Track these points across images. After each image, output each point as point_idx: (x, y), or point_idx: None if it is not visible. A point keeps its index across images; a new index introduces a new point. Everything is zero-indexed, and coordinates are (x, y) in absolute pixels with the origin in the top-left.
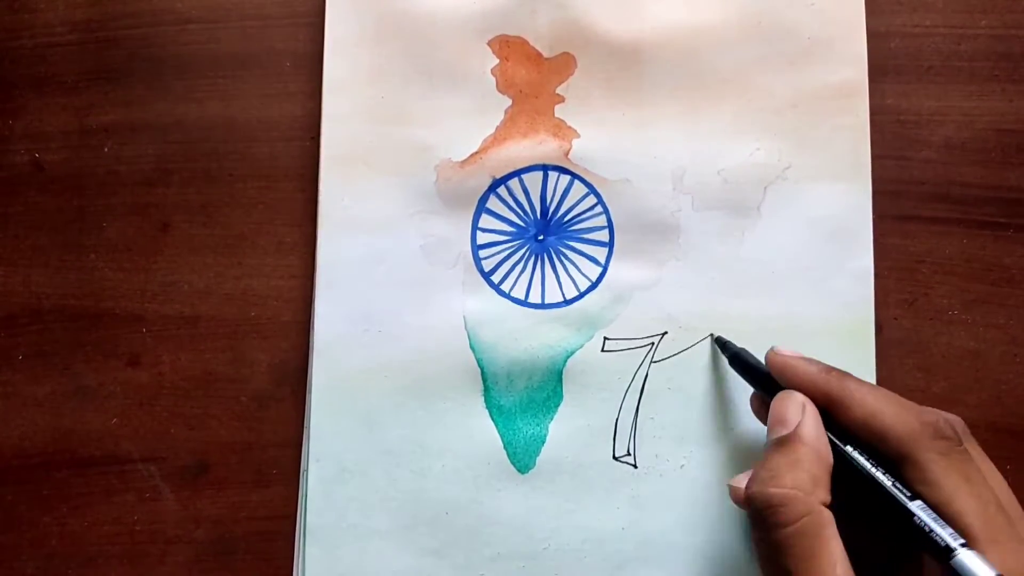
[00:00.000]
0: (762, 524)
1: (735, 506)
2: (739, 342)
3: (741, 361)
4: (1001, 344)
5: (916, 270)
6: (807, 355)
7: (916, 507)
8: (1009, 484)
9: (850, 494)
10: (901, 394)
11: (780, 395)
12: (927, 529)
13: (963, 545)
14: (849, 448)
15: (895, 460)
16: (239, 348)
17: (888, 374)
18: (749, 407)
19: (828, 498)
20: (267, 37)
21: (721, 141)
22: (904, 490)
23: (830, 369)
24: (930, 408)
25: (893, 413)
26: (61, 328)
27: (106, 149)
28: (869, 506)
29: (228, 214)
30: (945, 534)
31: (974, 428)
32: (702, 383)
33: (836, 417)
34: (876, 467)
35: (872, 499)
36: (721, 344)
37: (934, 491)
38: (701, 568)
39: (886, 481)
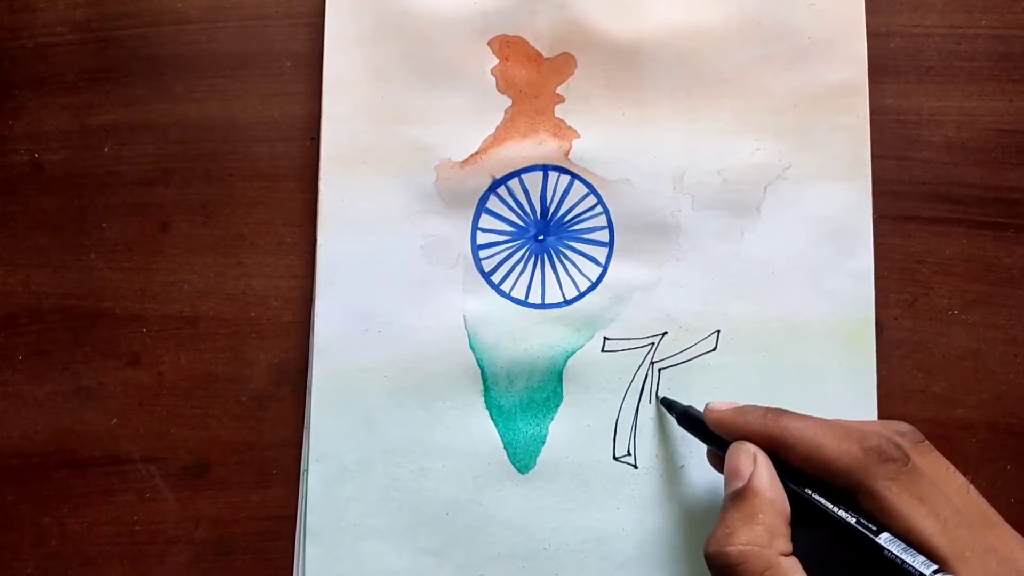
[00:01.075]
0: None
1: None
2: (739, 342)
3: (690, 419)
4: (1001, 344)
5: (916, 270)
6: (817, 415)
7: (884, 540)
8: (1009, 484)
9: (814, 537)
10: (902, 394)
11: (732, 448)
12: (899, 561)
13: (936, 572)
14: (807, 491)
15: (849, 492)
16: (239, 348)
17: (888, 374)
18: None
19: (788, 547)
20: (267, 37)
21: (721, 141)
22: (868, 524)
23: (767, 411)
24: (874, 425)
25: (835, 445)
26: (61, 328)
27: (106, 149)
28: (836, 545)
29: (228, 214)
30: (917, 563)
31: (974, 428)
32: (702, 383)
33: (782, 459)
34: (836, 505)
35: (838, 538)
36: (667, 405)
37: (893, 520)
38: (701, 568)
39: (849, 519)
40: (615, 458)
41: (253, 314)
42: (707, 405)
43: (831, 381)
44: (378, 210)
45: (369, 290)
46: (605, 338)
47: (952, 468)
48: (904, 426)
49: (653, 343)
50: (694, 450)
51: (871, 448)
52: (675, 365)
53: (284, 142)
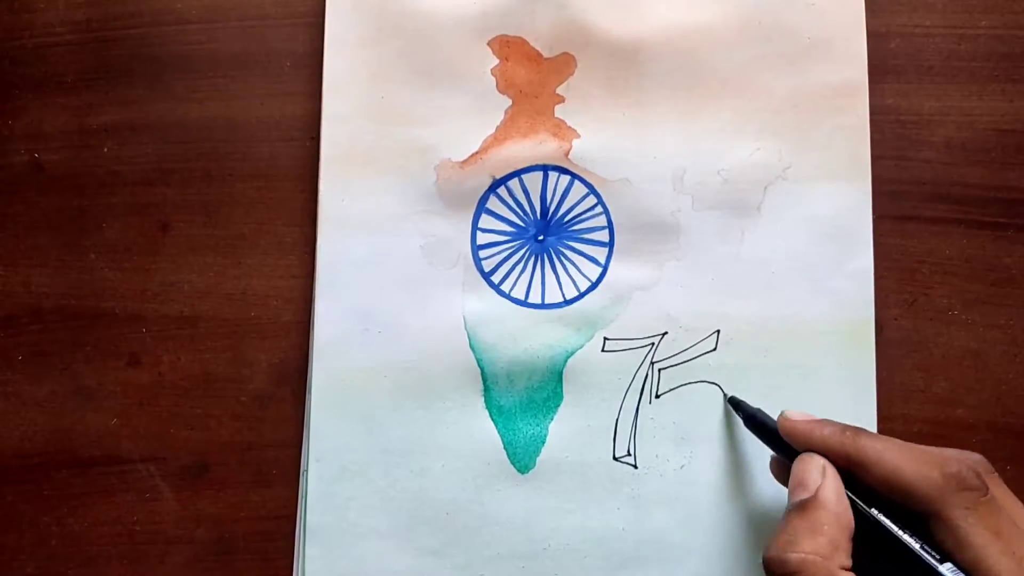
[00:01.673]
0: None
1: (735, 507)
2: (739, 342)
3: (757, 423)
4: (1001, 344)
5: (916, 270)
6: (818, 416)
7: (946, 570)
8: (1009, 484)
9: (875, 556)
10: (902, 394)
11: (800, 458)
12: None
13: None
14: (874, 511)
15: (922, 517)
16: (239, 348)
17: (888, 374)
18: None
19: (848, 562)
20: (267, 37)
21: (721, 141)
22: (932, 552)
23: (844, 428)
24: (951, 452)
25: (915, 469)
26: (61, 328)
27: (106, 149)
28: (896, 568)
29: (228, 214)
30: None
31: (974, 428)
32: (702, 383)
33: (857, 478)
34: (902, 529)
35: (899, 561)
36: (735, 404)
37: (965, 550)
38: (701, 568)
39: (914, 544)
40: (615, 458)
41: (253, 314)
42: (782, 413)
43: (831, 381)
44: (378, 210)
45: (369, 290)
46: (605, 338)
47: (1021, 504)
48: (977, 456)
49: (653, 343)
50: (694, 450)
51: (951, 474)
52: (675, 365)
53: (284, 142)
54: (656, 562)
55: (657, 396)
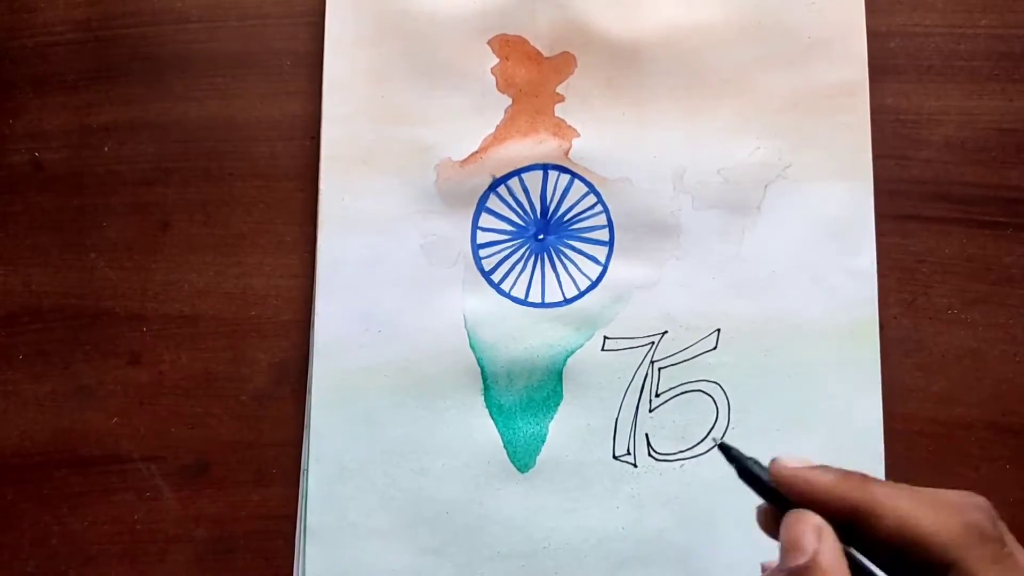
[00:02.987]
0: None
1: (735, 506)
2: (739, 341)
3: (750, 475)
4: (1001, 343)
5: (916, 269)
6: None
7: None
8: (1009, 484)
9: None
10: (902, 394)
11: (793, 516)
12: None
13: None
14: (880, 573)
15: (938, 568)
16: (239, 347)
17: (888, 373)
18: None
19: None
20: (267, 36)
21: (721, 141)
22: None
23: (848, 475)
24: (960, 495)
25: (932, 518)
26: (61, 327)
27: (106, 149)
28: None
29: (228, 213)
30: None
31: (974, 428)
32: (702, 382)
33: (864, 529)
34: None
35: None
36: (725, 451)
37: None
38: (700, 568)
39: None
40: (615, 457)
41: (253, 313)
42: (774, 460)
43: (831, 380)
44: (378, 210)
45: (369, 290)
46: (605, 337)
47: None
48: (981, 499)
49: (653, 342)
50: (694, 449)
51: (972, 524)
52: (675, 364)
53: (284, 142)
54: (656, 561)
55: (657, 395)
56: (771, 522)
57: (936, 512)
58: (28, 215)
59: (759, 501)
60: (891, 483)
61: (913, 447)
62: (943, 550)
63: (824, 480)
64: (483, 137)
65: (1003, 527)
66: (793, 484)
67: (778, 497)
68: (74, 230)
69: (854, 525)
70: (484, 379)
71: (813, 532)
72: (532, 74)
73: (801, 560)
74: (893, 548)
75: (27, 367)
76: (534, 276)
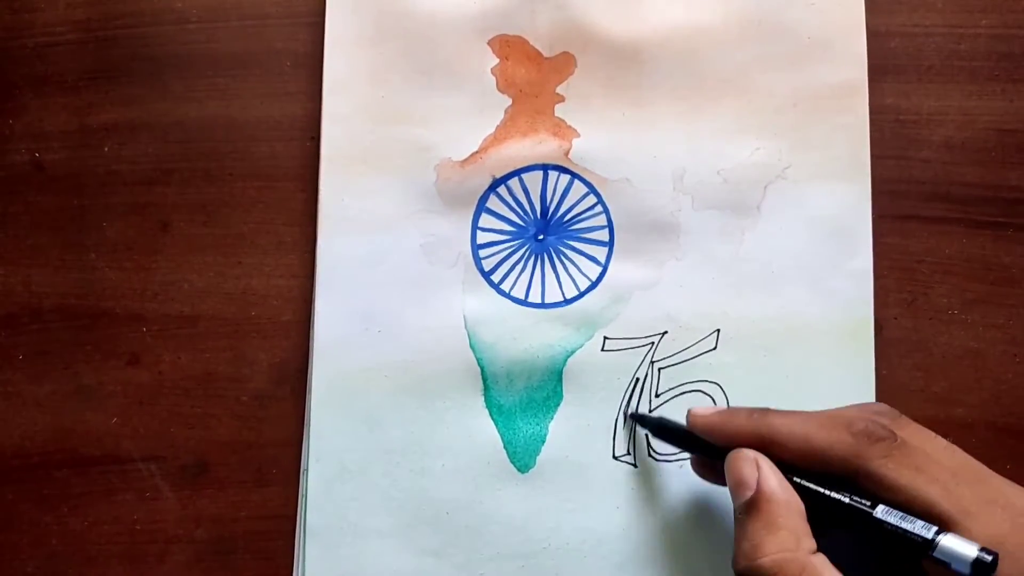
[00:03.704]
0: None
1: (735, 506)
2: (739, 342)
3: (667, 430)
4: (1001, 344)
5: (916, 270)
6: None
7: (880, 512)
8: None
9: (829, 528)
10: (902, 394)
11: (731, 457)
12: (899, 530)
13: (937, 532)
14: (800, 480)
15: (847, 479)
16: (239, 348)
17: (888, 374)
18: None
19: (814, 544)
20: (267, 37)
21: (721, 141)
22: (861, 500)
23: (751, 412)
24: (851, 409)
25: (825, 436)
26: (61, 328)
27: (106, 149)
28: (849, 531)
29: (228, 214)
30: (917, 528)
31: (974, 428)
32: (702, 382)
33: (775, 457)
34: (830, 490)
35: (842, 523)
36: (639, 420)
37: (896, 494)
38: (701, 568)
39: (842, 498)
40: (615, 457)
41: (253, 313)
42: (689, 411)
43: (831, 381)
44: (378, 210)
45: (369, 290)
46: (605, 337)
47: (933, 434)
48: (881, 406)
49: (653, 343)
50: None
51: (860, 432)
52: (675, 364)
53: (284, 142)
54: (656, 562)
55: (657, 395)
56: (702, 469)
57: (828, 430)
58: (28, 215)
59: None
60: (790, 412)
61: None
62: (841, 462)
63: (733, 421)
64: (483, 137)
65: (902, 422)
66: (707, 429)
67: (703, 446)
68: (74, 230)
69: (769, 455)
70: (484, 379)
71: (751, 465)
72: (532, 74)
73: (748, 494)
74: (803, 468)
75: (27, 367)
76: (534, 276)
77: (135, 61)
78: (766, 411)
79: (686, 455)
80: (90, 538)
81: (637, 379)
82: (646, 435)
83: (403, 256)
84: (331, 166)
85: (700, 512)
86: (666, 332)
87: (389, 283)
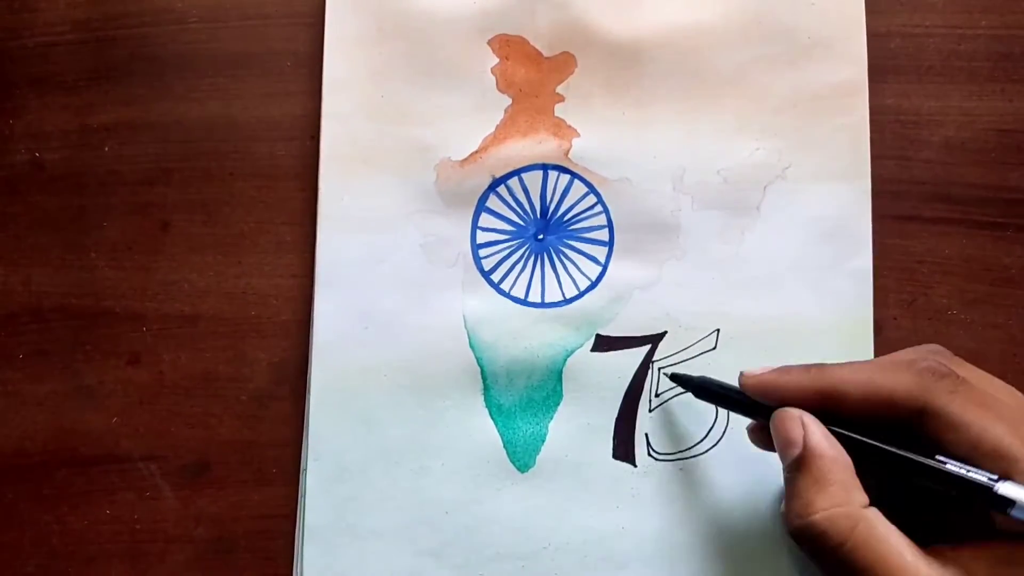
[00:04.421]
0: (818, 553)
1: (735, 506)
2: (739, 342)
3: (710, 390)
4: (1001, 344)
5: (916, 270)
6: (791, 361)
7: (939, 460)
8: None
9: (882, 480)
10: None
11: (775, 417)
12: (960, 477)
13: (998, 479)
14: (855, 435)
15: (912, 419)
16: (239, 347)
17: None
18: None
19: (866, 499)
20: (267, 37)
21: (721, 141)
22: (916, 453)
23: (807, 368)
24: (909, 352)
25: (889, 377)
26: (61, 327)
27: (106, 149)
28: (902, 482)
29: (228, 213)
30: (976, 474)
31: None
32: None
33: (837, 409)
34: (884, 443)
35: (900, 474)
36: (680, 381)
37: (963, 431)
38: (701, 568)
39: (900, 451)
40: (615, 457)
41: (253, 313)
42: (741, 373)
43: None
44: (378, 209)
45: (369, 289)
46: (606, 337)
47: (989, 375)
48: (935, 346)
49: (653, 343)
50: (694, 449)
51: (924, 370)
52: (675, 364)
53: (284, 142)
54: (656, 562)
55: (657, 395)
56: (758, 437)
57: (891, 373)
58: (28, 215)
59: (756, 497)
60: (845, 364)
61: None
62: (908, 401)
63: (788, 377)
64: (483, 137)
65: (958, 362)
66: (761, 389)
67: (752, 406)
68: (74, 230)
69: (830, 408)
70: (484, 379)
71: (796, 423)
72: (532, 74)
73: (795, 452)
74: (867, 417)
75: (27, 367)
76: (534, 276)
77: (135, 61)
78: (821, 366)
79: (686, 455)
80: (90, 537)
81: (637, 379)
82: (646, 435)
83: (403, 256)
84: (331, 166)
85: (700, 512)
86: (666, 332)
87: (389, 283)
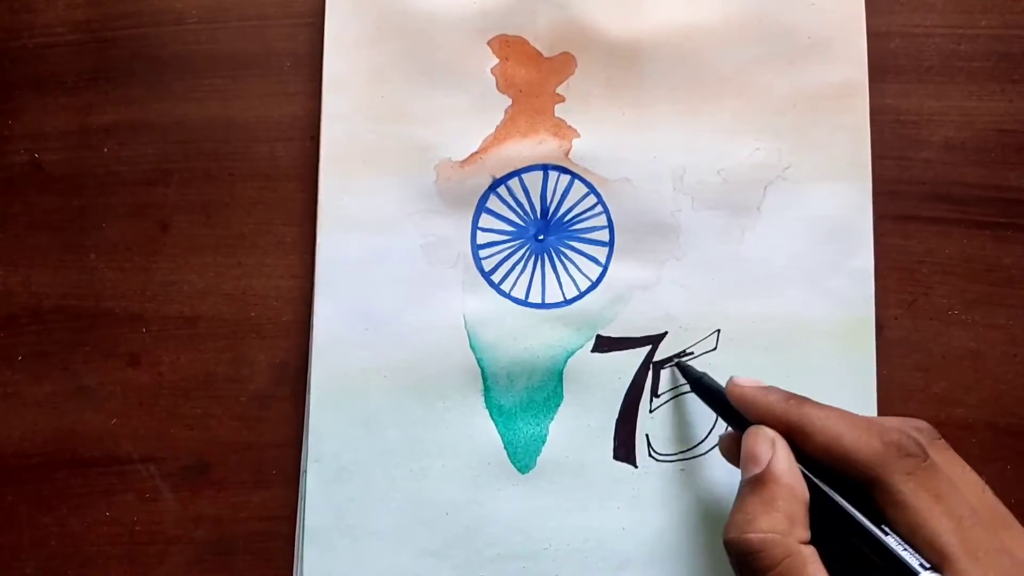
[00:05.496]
0: (744, 570)
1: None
2: (740, 342)
3: (704, 388)
4: (1001, 344)
5: (916, 270)
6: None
7: (893, 542)
8: (1009, 484)
9: (829, 524)
10: (902, 394)
11: (749, 431)
12: (893, 553)
13: (930, 569)
14: (815, 479)
15: (864, 484)
16: (239, 348)
17: (888, 374)
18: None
19: (806, 535)
20: (267, 37)
21: (721, 141)
22: (881, 526)
23: (789, 396)
24: (893, 420)
25: (855, 437)
26: (61, 328)
27: (106, 149)
28: (847, 536)
29: (228, 214)
30: (911, 557)
31: (974, 428)
32: None
33: (799, 446)
34: (848, 500)
35: (848, 531)
36: (683, 370)
37: (906, 514)
38: (701, 568)
39: (851, 509)
40: (615, 458)
41: (253, 314)
42: (731, 378)
43: (831, 381)
44: (378, 210)
45: (369, 290)
46: (606, 337)
47: (968, 468)
48: (922, 423)
49: (653, 343)
50: (694, 450)
51: (891, 442)
52: (675, 365)
53: (284, 142)
54: (656, 562)
55: (657, 395)
56: (729, 446)
57: (860, 432)
58: (28, 215)
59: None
60: (828, 406)
61: None
62: (865, 466)
63: (768, 399)
64: (483, 137)
65: (939, 446)
66: (741, 400)
67: (733, 415)
68: (74, 230)
69: (794, 442)
70: (484, 380)
71: (767, 444)
72: (532, 74)
73: (756, 470)
74: (825, 464)
75: (27, 368)
76: (534, 276)
77: (135, 61)
78: (803, 399)
79: (686, 456)
80: (89, 539)
81: (637, 379)
82: (647, 436)
83: (403, 256)
84: (331, 166)
85: (700, 512)
86: (666, 332)
87: (389, 283)
